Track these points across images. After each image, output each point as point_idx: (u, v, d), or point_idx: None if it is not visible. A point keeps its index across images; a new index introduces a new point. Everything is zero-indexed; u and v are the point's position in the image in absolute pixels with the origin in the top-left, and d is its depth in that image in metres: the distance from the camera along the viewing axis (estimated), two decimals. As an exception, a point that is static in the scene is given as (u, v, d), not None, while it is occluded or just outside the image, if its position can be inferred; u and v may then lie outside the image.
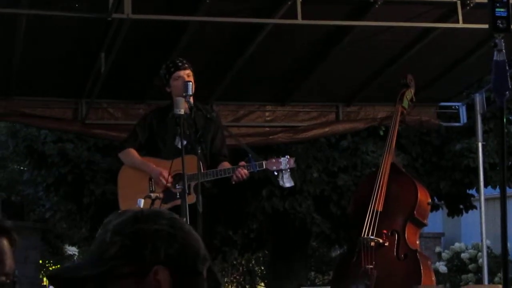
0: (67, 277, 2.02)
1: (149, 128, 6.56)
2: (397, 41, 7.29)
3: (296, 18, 6.15)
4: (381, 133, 11.62)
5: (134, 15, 5.88)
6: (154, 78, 6.99)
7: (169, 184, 6.18)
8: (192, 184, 5.96)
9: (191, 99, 6.09)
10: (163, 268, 1.97)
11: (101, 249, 2.02)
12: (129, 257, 1.98)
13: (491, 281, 12.95)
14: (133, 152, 6.53)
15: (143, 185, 6.37)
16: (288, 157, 6.29)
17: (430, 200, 7.23)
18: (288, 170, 6.27)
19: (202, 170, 5.99)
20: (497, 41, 3.27)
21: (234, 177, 6.19)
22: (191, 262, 2.02)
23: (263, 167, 6.23)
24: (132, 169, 6.53)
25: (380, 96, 8.50)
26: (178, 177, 6.20)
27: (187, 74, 6.27)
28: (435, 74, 8.19)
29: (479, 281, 15.69)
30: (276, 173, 6.27)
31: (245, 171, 6.19)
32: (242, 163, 6.23)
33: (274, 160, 6.25)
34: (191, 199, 5.76)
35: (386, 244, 6.75)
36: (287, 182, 6.29)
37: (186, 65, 6.33)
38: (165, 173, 6.22)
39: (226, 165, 6.42)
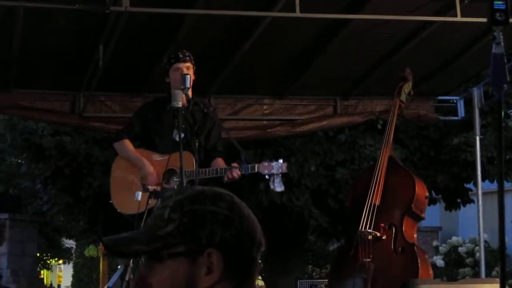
0: (120, 250, 2.00)
1: (145, 119, 6.56)
2: (395, 34, 7.29)
3: (294, 11, 6.14)
4: (379, 126, 11.63)
5: (132, 8, 5.87)
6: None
7: (158, 188, 6.16)
8: (186, 180, 5.96)
9: (189, 92, 6.09)
10: (217, 251, 1.94)
11: (158, 225, 1.98)
12: (185, 236, 1.95)
13: (488, 275, 12.96)
14: (128, 143, 6.52)
15: (135, 177, 6.38)
16: (281, 161, 6.27)
17: (427, 194, 7.22)
18: (280, 174, 6.25)
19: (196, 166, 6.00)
20: (495, 34, 3.26)
21: (226, 178, 6.20)
22: (246, 248, 1.99)
23: (255, 170, 6.22)
24: (126, 161, 6.53)
25: (378, 89, 8.50)
26: (170, 173, 6.21)
27: (186, 66, 6.26)
28: (433, 68, 8.19)
29: (476, 275, 15.73)
30: (267, 177, 6.26)
31: (238, 172, 6.19)
32: (235, 164, 6.23)
33: (266, 164, 6.23)
34: None
35: (383, 237, 6.75)
36: (278, 186, 6.27)
37: (187, 58, 6.32)
38: (155, 176, 6.24)
39: (220, 162, 6.41)
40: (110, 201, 6.51)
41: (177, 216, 1.97)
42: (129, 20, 6.15)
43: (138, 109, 6.95)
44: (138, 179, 6.35)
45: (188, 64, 6.29)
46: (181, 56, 6.32)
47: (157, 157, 6.35)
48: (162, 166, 6.21)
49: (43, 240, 24.29)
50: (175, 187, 6.05)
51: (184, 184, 5.73)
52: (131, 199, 5.85)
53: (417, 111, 8.84)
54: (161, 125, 6.43)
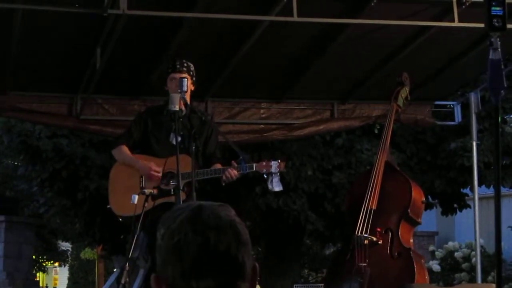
0: None
1: (143, 125, 6.57)
2: (393, 39, 7.29)
3: (292, 15, 6.14)
4: (376, 131, 11.62)
5: (130, 11, 5.88)
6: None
7: (159, 174, 6.19)
8: (183, 182, 5.96)
9: (187, 97, 6.10)
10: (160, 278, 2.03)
11: None
12: None
13: (484, 280, 12.98)
14: (124, 149, 6.54)
15: (134, 181, 6.38)
16: (279, 161, 6.29)
17: (424, 199, 7.23)
18: (278, 174, 6.26)
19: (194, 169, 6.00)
20: (492, 40, 3.27)
21: (224, 178, 6.20)
22: (172, 275, 2.00)
23: (253, 169, 6.24)
24: (124, 166, 6.53)
25: (375, 94, 8.51)
26: (168, 176, 6.21)
27: (182, 77, 6.27)
28: (430, 73, 8.20)
29: (473, 280, 15.72)
30: (265, 176, 6.27)
31: (235, 172, 6.20)
32: (233, 162, 6.24)
33: (264, 163, 6.26)
34: (182, 196, 5.78)
35: (380, 242, 6.75)
36: (276, 186, 6.29)
37: (184, 69, 6.34)
38: (156, 168, 6.24)
39: (219, 166, 6.43)
40: (108, 206, 6.51)
41: None
42: (127, 23, 6.15)
43: (137, 115, 6.98)
44: (136, 183, 6.35)
45: (185, 74, 6.30)
46: (178, 66, 6.35)
47: (154, 160, 6.36)
48: (159, 168, 6.22)
49: (39, 242, 24.25)
50: (172, 189, 6.05)
51: (181, 186, 5.74)
52: (130, 202, 5.85)
53: (414, 116, 8.84)
54: (159, 131, 6.46)
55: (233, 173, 6.18)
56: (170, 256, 1.98)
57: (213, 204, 2.06)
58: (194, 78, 6.37)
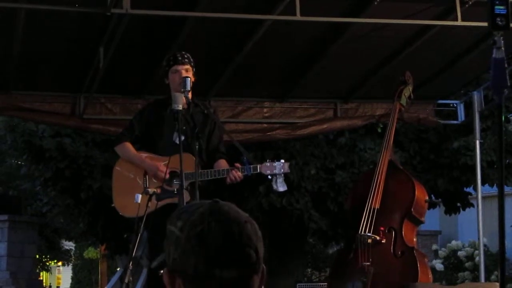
0: None
1: (146, 121, 6.54)
2: (396, 38, 7.29)
3: (294, 14, 6.15)
4: (379, 130, 11.62)
5: (133, 10, 5.88)
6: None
7: (167, 176, 6.18)
8: (187, 182, 5.95)
9: (189, 95, 6.08)
10: (176, 272, 2.02)
11: None
12: None
13: (487, 279, 12.97)
14: (129, 146, 6.51)
15: (138, 180, 6.37)
16: (283, 161, 6.28)
17: (427, 198, 7.22)
18: (282, 174, 6.26)
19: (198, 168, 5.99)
20: (496, 38, 3.27)
21: (228, 180, 6.20)
22: (193, 266, 1.99)
23: (257, 170, 6.23)
24: (128, 164, 6.51)
25: (378, 93, 8.50)
26: (172, 175, 6.20)
27: (185, 69, 6.25)
28: (433, 72, 8.20)
29: (476, 279, 15.73)
30: (270, 177, 6.26)
31: (239, 173, 6.18)
32: (237, 165, 6.22)
33: (268, 164, 6.24)
34: (185, 197, 5.77)
35: (383, 241, 6.75)
36: (280, 186, 6.28)
37: (186, 60, 6.30)
38: (162, 168, 6.22)
39: (223, 163, 6.40)
40: (112, 205, 6.49)
41: None
42: (130, 22, 6.16)
43: (138, 111, 6.94)
44: (140, 182, 6.34)
45: (187, 66, 6.27)
46: (180, 58, 6.30)
47: (157, 158, 6.34)
48: (164, 166, 6.20)
49: (42, 241, 24.28)
50: (175, 189, 6.05)
51: (185, 186, 5.73)
52: (134, 202, 5.84)
53: (417, 115, 8.84)
54: (161, 127, 6.42)
55: (237, 175, 6.17)
56: (193, 245, 1.98)
57: (225, 202, 2.08)
58: (194, 69, 6.35)
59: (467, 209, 13.65)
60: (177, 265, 2.00)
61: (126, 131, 6.65)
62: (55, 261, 31.80)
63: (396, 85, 7.44)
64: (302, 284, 16.03)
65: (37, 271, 23.80)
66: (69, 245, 31.04)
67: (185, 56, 6.33)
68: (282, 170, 6.23)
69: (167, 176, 6.19)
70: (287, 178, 6.47)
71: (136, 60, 7.47)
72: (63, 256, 30.90)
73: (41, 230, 22.46)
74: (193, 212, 2.02)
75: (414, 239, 6.96)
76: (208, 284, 1.97)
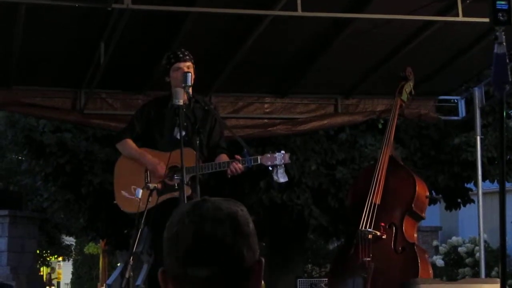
0: None
1: (146, 118, 6.55)
2: (397, 34, 7.29)
3: (296, 10, 6.14)
4: (380, 126, 11.62)
5: (134, 5, 5.87)
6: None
7: (165, 171, 6.18)
8: (188, 177, 5.95)
9: (190, 90, 6.08)
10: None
11: None
12: None
13: (488, 275, 12.95)
14: (130, 142, 6.52)
15: (139, 176, 6.37)
16: (283, 152, 6.28)
17: (428, 194, 7.22)
18: (283, 165, 6.26)
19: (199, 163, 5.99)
20: (497, 34, 3.27)
21: (229, 172, 6.20)
22: (172, 267, 2.03)
23: (257, 162, 6.24)
24: (129, 160, 6.52)
25: (379, 89, 8.49)
26: (173, 170, 6.19)
27: (187, 66, 6.26)
28: (435, 68, 8.19)
29: (476, 275, 15.72)
30: (270, 168, 6.27)
31: (240, 165, 6.19)
32: (237, 157, 6.23)
33: (269, 155, 6.25)
34: (186, 191, 5.78)
35: (383, 237, 6.75)
36: (281, 177, 6.29)
37: (187, 57, 6.32)
38: (162, 165, 6.22)
39: (224, 157, 6.41)
40: (115, 202, 6.49)
41: None
42: (131, 17, 6.15)
43: (139, 108, 6.94)
44: (142, 177, 6.34)
45: (189, 63, 6.29)
46: (181, 55, 6.31)
47: (158, 154, 6.35)
48: (164, 164, 6.20)
49: (43, 237, 24.30)
50: (176, 184, 6.05)
51: (186, 181, 5.74)
52: (134, 198, 5.85)
53: (418, 111, 8.83)
54: (162, 123, 6.43)
55: (238, 166, 6.18)
56: (169, 245, 2.02)
57: (218, 199, 2.08)
58: (194, 65, 6.35)
59: (468, 205, 13.65)
60: (164, 265, 2.04)
61: (127, 128, 6.67)
62: (56, 256, 31.81)
63: (397, 81, 7.43)
64: (302, 279, 16.00)
65: (38, 266, 23.83)
66: (69, 240, 31.05)
67: (186, 53, 6.34)
68: (282, 161, 6.24)
69: (166, 171, 6.19)
70: (287, 173, 6.47)
71: (137, 55, 7.46)
72: (63, 252, 30.92)
73: (42, 225, 22.49)
74: (178, 212, 2.06)
75: (415, 235, 6.96)
76: (189, 283, 1.99)
